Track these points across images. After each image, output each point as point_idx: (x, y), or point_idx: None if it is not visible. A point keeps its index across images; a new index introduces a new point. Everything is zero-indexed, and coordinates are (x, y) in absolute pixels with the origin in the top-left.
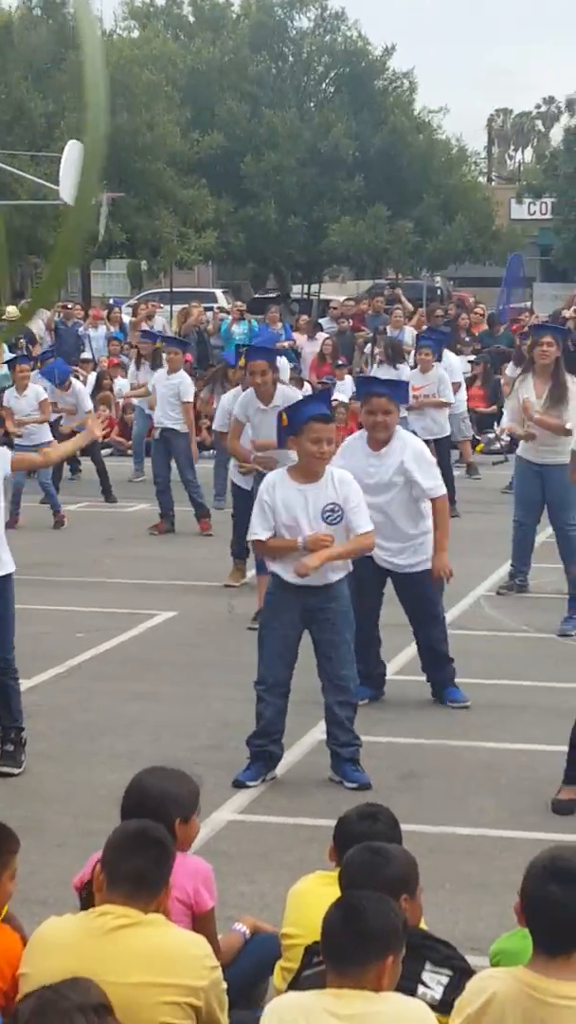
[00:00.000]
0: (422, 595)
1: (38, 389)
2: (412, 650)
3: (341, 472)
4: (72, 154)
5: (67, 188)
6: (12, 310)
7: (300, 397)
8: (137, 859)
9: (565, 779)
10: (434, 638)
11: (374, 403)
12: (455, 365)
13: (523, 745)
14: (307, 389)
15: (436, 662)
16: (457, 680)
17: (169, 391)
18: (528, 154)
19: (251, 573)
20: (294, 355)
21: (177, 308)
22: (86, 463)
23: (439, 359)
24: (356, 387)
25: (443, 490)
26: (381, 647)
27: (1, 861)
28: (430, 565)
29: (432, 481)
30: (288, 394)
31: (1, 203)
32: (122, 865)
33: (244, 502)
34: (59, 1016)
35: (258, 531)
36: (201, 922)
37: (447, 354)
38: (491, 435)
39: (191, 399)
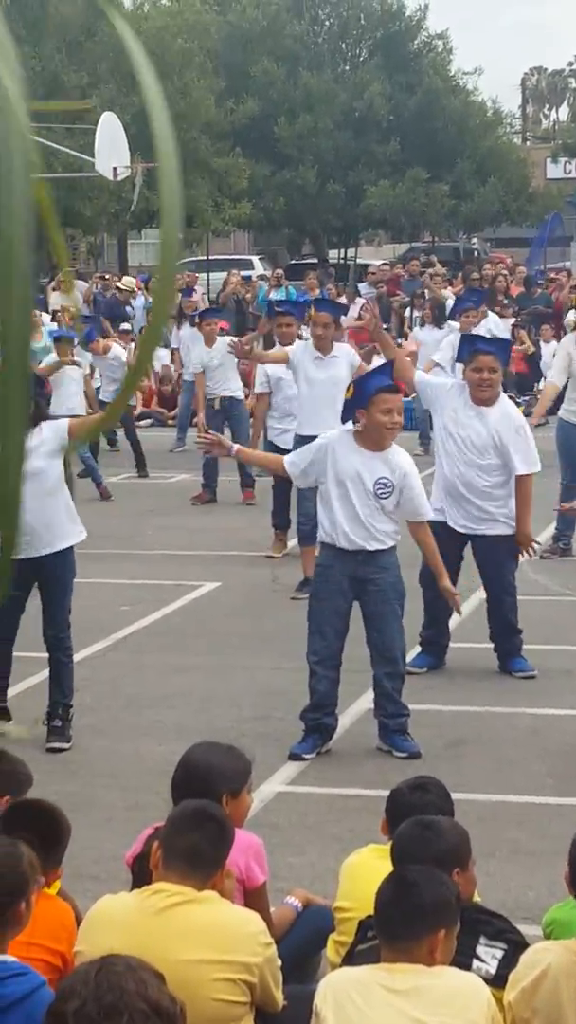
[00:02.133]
0: (500, 561)
1: (80, 362)
2: (458, 617)
3: (405, 455)
4: (106, 125)
5: (102, 160)
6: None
7: (356, 355)
8: (194, 836)
9: None
10: (507, 606)
11: (481, 360)
12: (498, 324)
13: (569, 711)
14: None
15: (505, 631)
16: None
17: (230, 360)
18: (563, 112)
19: (292, 543)
20: None
21: (214, 276)
22: (121, 434)
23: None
24: (461, 345)
25: (533, 469)
26: (450, 615)
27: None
28: (511, 531)
29: (523, 461)
30: (347, 350)
31: (37, 176)
32: (178, 842)
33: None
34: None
35: (291, 458)
36: (253, 897)
37: (489, 315)
38: (526, 399)
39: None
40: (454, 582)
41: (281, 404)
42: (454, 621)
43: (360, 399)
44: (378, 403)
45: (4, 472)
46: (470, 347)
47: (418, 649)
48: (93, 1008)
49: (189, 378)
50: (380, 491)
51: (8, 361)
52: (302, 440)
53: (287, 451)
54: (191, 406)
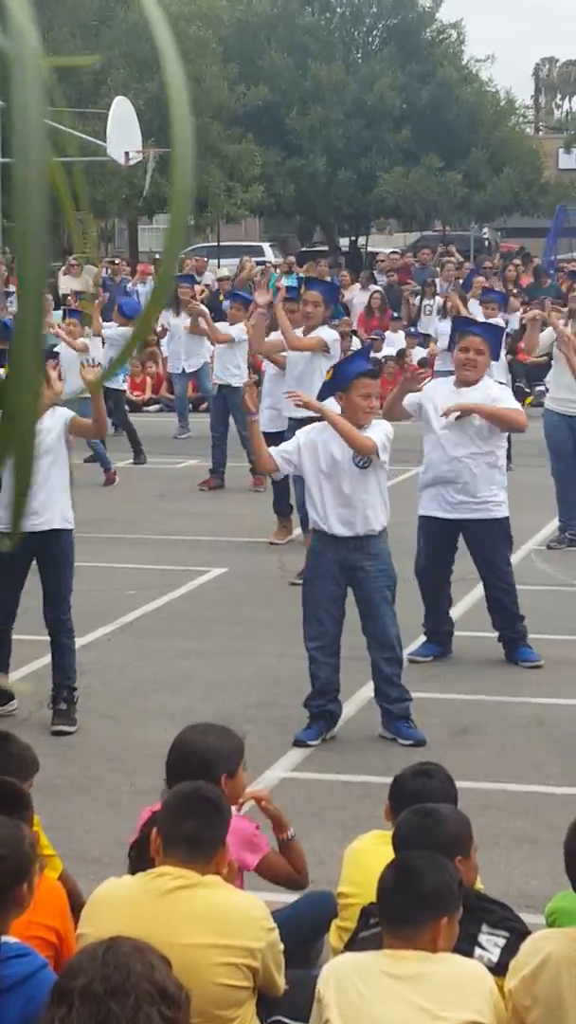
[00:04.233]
0: (493, 546)
1: (86, 341)
2: (464, 605)
3: (382, 423)
4: (119, 110)
5: (114, 145)
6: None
7: (335, 336)
8: (191, 821)
9: None
10: (503, 592)
11: (468, 341)
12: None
13: (575, 700)
14: (356, 343)
15: (506, 618)
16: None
17: (228, 346)
18: (575, 102)
19: (298, 531)
20: (341, 309)
21: (225, 262)
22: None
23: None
24: (453, 326)
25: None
26: (451, 605)
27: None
28: (502, 515)
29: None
30: (324, 334)
31: (51, 127)
32: (177, 828)
33: None
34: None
35: (277, 451)
36: (259, 871)
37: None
38: (541, 388)
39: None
40: (451, 571)
41: (265, 384)
42: (458, 611)
43: (340, 382)
44: (358, 387)
45: (17, 420)
46: (462, 328)
47: (423, 638)
48: (100, 987)
49: (174, 370)
50: (360, 462)
51: (24, 301)
52: (295, 423)
53: (271, 434)
54: (186, 394)
